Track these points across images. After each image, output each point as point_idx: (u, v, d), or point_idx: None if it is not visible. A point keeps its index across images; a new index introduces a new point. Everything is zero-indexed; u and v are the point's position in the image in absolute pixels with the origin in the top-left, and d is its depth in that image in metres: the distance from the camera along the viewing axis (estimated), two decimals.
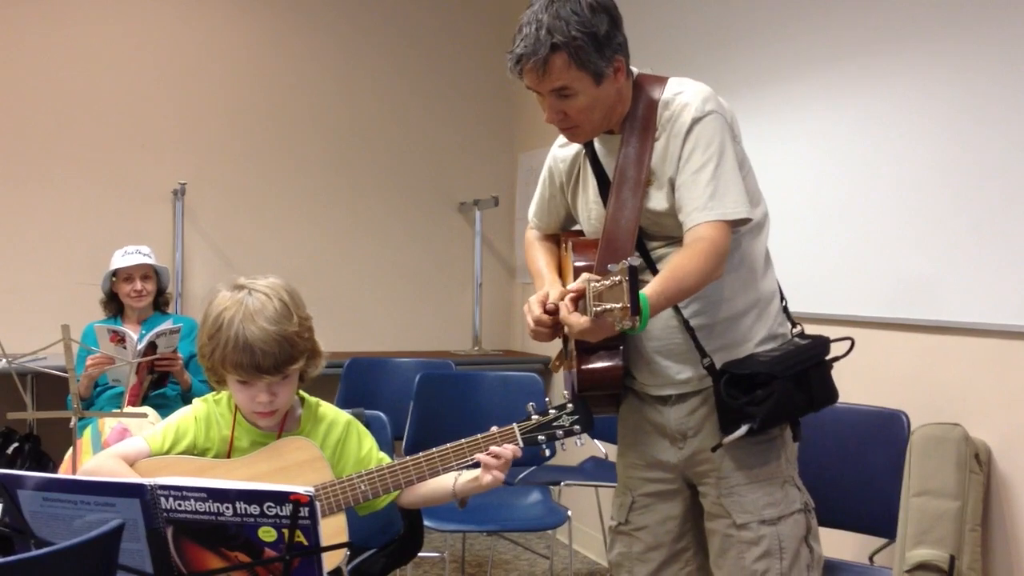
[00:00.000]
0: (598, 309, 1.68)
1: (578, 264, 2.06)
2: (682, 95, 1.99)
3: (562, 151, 2.23)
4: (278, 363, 1.92)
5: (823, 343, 2.03)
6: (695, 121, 1.95)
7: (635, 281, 1.64)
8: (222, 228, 5.04)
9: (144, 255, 3.91)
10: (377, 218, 5.32)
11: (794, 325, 2.11)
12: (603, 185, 2.08)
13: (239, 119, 5.07)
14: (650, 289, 1.83)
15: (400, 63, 5.34)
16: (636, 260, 1.68)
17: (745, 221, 1.97)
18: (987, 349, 2.64)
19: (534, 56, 1.92)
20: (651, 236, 2.04)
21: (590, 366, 2.01)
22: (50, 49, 4.76)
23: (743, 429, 1.92)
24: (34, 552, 1.34)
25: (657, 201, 1.99)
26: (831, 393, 2.03)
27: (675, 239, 1.99)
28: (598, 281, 1.70)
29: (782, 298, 2.13)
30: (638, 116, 2.02)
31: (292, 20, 5.17)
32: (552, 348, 2.18)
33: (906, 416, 2.66)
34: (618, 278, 1.66)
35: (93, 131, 4.83)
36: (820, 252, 3.14)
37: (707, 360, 2.00)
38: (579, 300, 1.80)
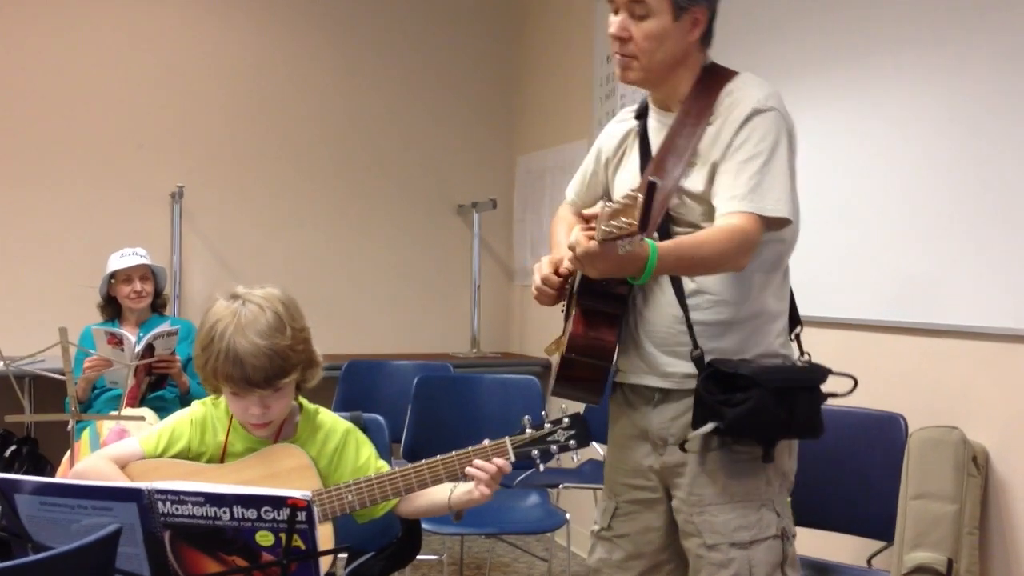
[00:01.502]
0: (606, 228, 1.59)
1: None
2: (748, 87, 1.94)
3: (616, 126, 2.16)
4: (269, 377, 1.91)
5: (820, 371, 1.94)
6: (755, 112, 1.89)
7: (651, 197, 1.54)
8: (220, 230, 5.04)
9: (141, 256, 3.92)
10: (375, 220, 5.32)
11: (802, 354, 2.03)
12: (645, 159, 2.02)
13: (237, 121, 5.07)
14: (664, 242, 1.77)
15: (399, 65, 5.34)
16: (657, 180, 1.59)
17: (783, 223, 1.89)
18: (985, 352, 2.65)
19: None
20: (675, 220, 1.97)
21: (585, 331, 1.93)
22: (48, 51, 4.76)
23: (709, 426, 1.84)
24: (32, 557, 1.34)
25: (694, 181, 1.93)
26: (815, 424, 1.91)
27: (698, 228, 1.92)
28: (614, 200, 1.61)
29: (797, 324, 2.06)
30: (698, 98, 1.96)
31: (291, 23, 5.17)
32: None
33: (904, 419, 2.66)
34: (633, 195, 1.56)
35: (91, 133, 4.82)
36: (818, 255, 3.14)
37: (697, 351, 1.92)
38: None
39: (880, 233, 2.94)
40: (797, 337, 2.07)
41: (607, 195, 2.18)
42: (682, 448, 1.95)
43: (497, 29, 5.52)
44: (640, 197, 1.55)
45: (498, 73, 5.53)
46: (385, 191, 5.33)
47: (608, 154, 2.16)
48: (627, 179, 2.07)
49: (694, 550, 1.97)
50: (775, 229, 1.90)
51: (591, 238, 1.68)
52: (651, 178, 1.56)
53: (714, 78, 1.98)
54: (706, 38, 1.98)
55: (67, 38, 4.79)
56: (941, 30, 2.76)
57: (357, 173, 5.28)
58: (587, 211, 1.74)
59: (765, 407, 1.83)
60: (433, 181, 5.42)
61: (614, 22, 1.93)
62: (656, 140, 2.02)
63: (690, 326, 1.94)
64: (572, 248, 1.73)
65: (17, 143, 4.72)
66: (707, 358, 1.92)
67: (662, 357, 1.99)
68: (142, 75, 4.90)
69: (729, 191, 1.87)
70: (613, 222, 1.59)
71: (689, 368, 1.95)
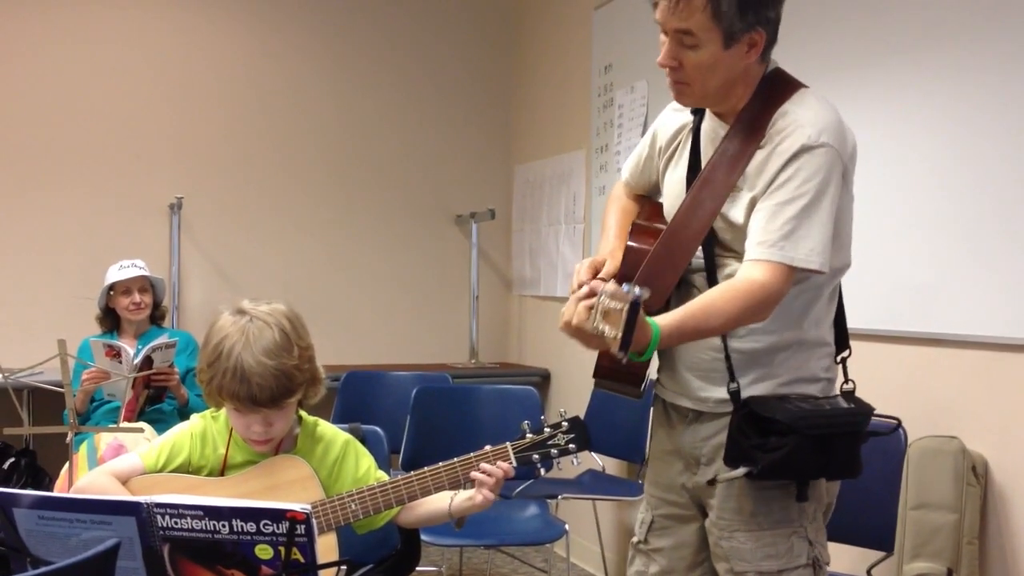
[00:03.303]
0: (598, 327, 1.58)
1: (630, 244, 1.94)
2: (802, 113, 1.81)
3: (673, 115, 2.05)
4: (274, 397, 1.91)
5: (864, 414, 1.86)
6: (804, 149, 1.77)
7: (633, 318, 1.54)
8: (219, 241, 5.04)
9: (140, 268, 3.92)
10: (373, 231, 5.32)
11: (847, 380, 1.97)
12: (693, 170, 1.93)
13: (236, 133, 5.07)
14: (668, 320, 1.73)
15: (397, 75, 5.35)
16: (645, 293, 1.56)
17: (815, 272, 1.80)
18: (983, 361, 2.65)
19: None
20: (720, 243, 1.89)
21: (610, 359, 1.87)
22: (47, 63, 4.77)
23: (740, 471, 1.80)
24: (31, 572, 1.34)
25: (736, 211, 1.85)
26: (853, 466, 1.86)
27: (742, 255, 1.85)
28: (609, 296, 1.59)
29: (845, 348, 1.98)
30: (751, 116, 1.85)
31: (289, 33, 5.18)
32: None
33: (903, 429, 2.65)
34: (620, 305, 1.55)
35: (90, 145, 4.83)
36: None
37: (734, 385, 1.87)
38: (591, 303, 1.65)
39: (878, 242, 2.94)
40: (843, 361, 1.99)
41: (659, 182, 2.08)
42: (711, 483, 1.92)
43: (495, 39, 5.53)
44: (624, 313, 1.54)
45: (496, 83, 5.54)
46: (383, 201, 5.34)
47: (662, 143, 2.06)
48: (676, 182, 1.98)
49: (722, 574, 1.94)
50: (806, 277, 1.82)
51: (589, 308, 1.63)
52: (637, 294, 1.54)
53: (772, 93, 1.87)
54: (766, 53, 1.87)
55: (65, 49, 4.79)
56: (938, 38, 2.77)
57: (355, 184, 5.29)
58: (584, 289, 1.67)
59: (801, 454, 1.77)
60: (431, 191, 5.43)
61: (663, 50, 1.83)
62: (707, 148, 1.93)
63: (728, 356, 1.88)
64: (567, 322, 1.69)
65: (16, 155, 4.73)
66: (744, 393, 1.87)
67: (696, 382, 1.94)
68: (140, 86, 4.91)
69: (759, 235, 1.78)
70: (604, 325, 1.57)
71: (724, 395, 1.90)
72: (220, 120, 5.05)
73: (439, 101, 5.43)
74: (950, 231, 2.72)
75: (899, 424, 1.95)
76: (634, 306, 1.54)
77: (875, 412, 1.90)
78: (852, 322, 2.98)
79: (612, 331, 1.57)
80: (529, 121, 5.37)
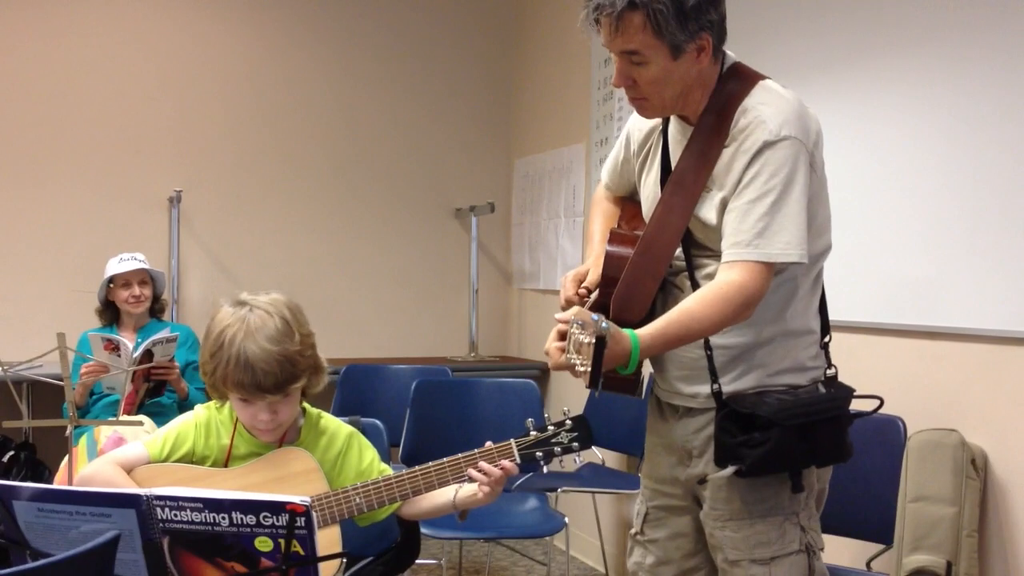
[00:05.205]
0: (571, 359, 1.66)
1: (610, 250, 1.97)
2: (763, 108, 1.83)
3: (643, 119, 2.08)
4: (279, 382, 1.92)
5: (842, 397, 1.90)
6: (766, 145, 1.79)
7: (600, 352, 1.59)
8: (218, 235, 5.04)
9: (139, 261, 3.92)
10: (373, 224, 5.31)
11: (830, 366, 1.98)
12: (665, 173, 1.96)
13: (235, 126, 5.07)
14: (649, 331, 1.75)
15: (396, 68, 5.34)
16: (606, 328, 1.60)
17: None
18: (983, 354, 2.65)
19: (609, 8, 1.76)
20: (698, 245, 1.92)
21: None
22: (46, 57, 4.76)
23: (729, 470, 1.83)
24: (30, 564, 1.34)
25: (708, 211, 1.87)
26: (842, 451, 1.89)
27: (719, 254, 1.87)
28: (580, 329, 1.65)
29: (825, 333, 1.99)
30: (715, 113, 1.87)
31: (288, 27, 5.17)
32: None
33: (902, 422, 2.66)
34: (589, 339, 1.60)
35: (89, 138, 4.82)
36: None
37: (716, 386, 1.90)
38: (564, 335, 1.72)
39: (878, 235, 2.95)
40: (825, 346, 2.00)
41: (637, 184, 2.09)
42: (702, 482, 1.95)
43: (494, 32, 5.52)
44: (591, 348, 1.58)
45: (495, 76, 5.53)
46: (383, 195, 5.33)
47: (635, 146, 2.08)
48: (650, 185, 2.00)
49: (718, 563, 1.97)
50: (784, 268, 1.84)
51: (562, 349, 1.71)
52: (603, 327, 1.58)
53: (731, 91, 1.88)
54: (717, 52, 1.88)
55: (65, 43, 4.78)
56: (940, 32, 2.76)
57: (355, 177, 5.28)
58: (560, 315, 1.74)
59: (786, 445, 1.80)
60: (431, 185, 5.42)
61: (616, 72, 1.85)
62: (675, 151, 1.95)
63: (710, 358, 1.90)
64: (546, 352, 1.76)
65: (16, 148, 4.72)
66: (731, 387, 1.90)
67: (683, 381, 1.97)
68: (140, 79, 4.90)
69: (734, 236, 1.80)
70: (577, 358, 1.64)
71: (710, 391, 1.93)
72: (220, 113, 5.04)
73: (439, 95, 5.42)
74: (950, 225, 2.72)
75: (882, 402, 1.95)
76: (600, 341, 1.59)
77: (855, 393, 1.92)
78: (852, 315, 3.00)
79: (583, 365, 1.62)
80: (529, 114, 5.37)
